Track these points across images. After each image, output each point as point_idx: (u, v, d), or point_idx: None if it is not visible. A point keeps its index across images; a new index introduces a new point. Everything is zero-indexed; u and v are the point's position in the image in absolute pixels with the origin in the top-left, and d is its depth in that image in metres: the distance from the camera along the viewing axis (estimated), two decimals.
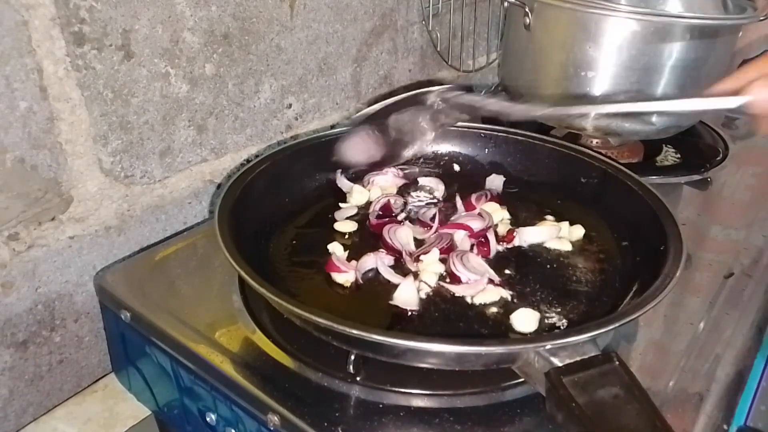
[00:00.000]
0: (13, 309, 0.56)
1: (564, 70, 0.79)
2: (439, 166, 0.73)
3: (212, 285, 0.57)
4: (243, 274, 0.47)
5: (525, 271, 0.57)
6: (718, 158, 0.85)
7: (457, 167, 0.73)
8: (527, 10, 0.79)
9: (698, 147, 0.89)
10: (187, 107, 0.65)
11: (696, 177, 0.80)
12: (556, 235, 0.61)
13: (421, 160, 0.73)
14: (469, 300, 0.53)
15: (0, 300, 0.55)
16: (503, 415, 0.45)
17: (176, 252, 0.62)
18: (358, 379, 0.46)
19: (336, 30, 0.78)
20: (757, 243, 0.66)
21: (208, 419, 0.52)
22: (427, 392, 0.46)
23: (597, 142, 0.84)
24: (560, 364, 0.40)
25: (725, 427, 0.50)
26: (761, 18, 0.74)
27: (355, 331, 0.42)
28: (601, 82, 0.77)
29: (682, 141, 0.87)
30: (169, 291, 0.57)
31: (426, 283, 0.54)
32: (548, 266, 0.58)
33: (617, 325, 0.43)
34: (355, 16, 0.80)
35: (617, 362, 0.40)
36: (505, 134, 0.72)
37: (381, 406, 0.45)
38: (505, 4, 0.83)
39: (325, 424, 0.43)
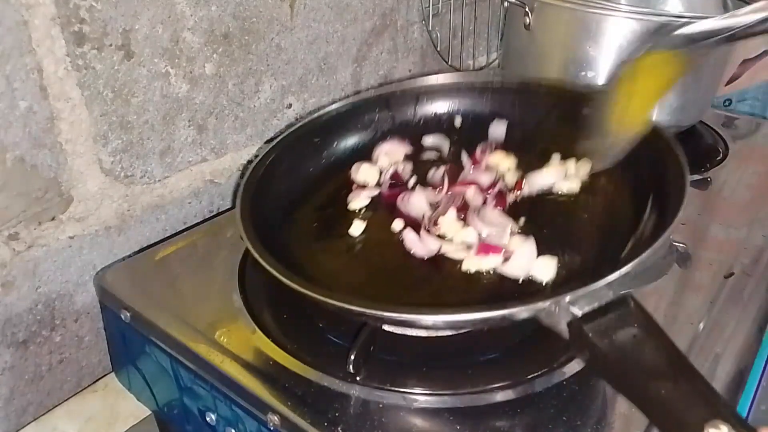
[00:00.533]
0: (14, 308, 0.56)
1: (564, 69, 0.79)
2: (440, 124, 0.72)
3: (212, 285, 0.57)
4: (296, 286, 0.46)
5: (538, 218, 0.57)
6: (719, 158, 0.84)
7: (458, 122, 0.72)
8: (527, 9, 0.79)
9: (698, 146, 0.88)
10: (187, 107, 0.65)
11: (696, 177, 0.80)
12: (563, 175, 0.61)
13: (422, 121, 0.72)
14: None
15: (0, 299, 0.55)
16: (503, 414, 0.45)
17: (176, 252, 0.62)
18: (358, 378, 0.46)
19: (336, 30, 0.78)
20: (757, 242, 0.66)
21: (208, 419, 0.52)
22: (427, 392, 0.46)
23: None
24: (580, 313, 0.41)
25: None
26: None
27: (386, 314, 0.43)
28: (601, 81, 0.77)
29: (682, 140, 0.86)
30: (169, 291, 0.57)
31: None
32: (560, 209, 0.58)
33: (630, 266, 0.43)
34: (355, 15, 0.80)
35: (632, 303, 0.41)
36: (500, 83, 0.72)
37: (381, 405, 0.45)
38: (505, 3, 0.83)
39: (325, 423, 0.43)
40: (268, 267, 0.48)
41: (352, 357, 0.46)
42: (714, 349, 0.52)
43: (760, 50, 1.15)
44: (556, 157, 0.64)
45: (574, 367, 0.47)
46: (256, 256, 0.49)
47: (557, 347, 0.49)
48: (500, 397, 0.46)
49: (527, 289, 0.51)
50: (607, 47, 0.75)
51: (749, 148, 0.88)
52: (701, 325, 0.55)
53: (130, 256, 0.64)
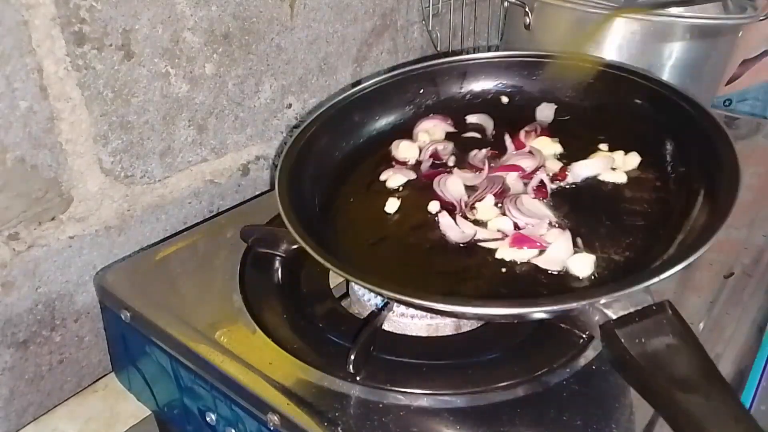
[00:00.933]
0: (14, 309, 0.56)
1: None
2: (486, 101, 0.70)
3: (212, 285, 0.57)
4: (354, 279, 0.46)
5: (580, 209, 0.55)
6: None
7: (505, 99, 0.70)
8: (527, 9, 0.79)
9: None
10: (187, 107, 0.65)
11: None
12: (609, 166, 0.58)
13: (468, 97, 0.70)
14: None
15: (0, 300, 0.55)
16: (503, 415, 0.45)
17: (177, 252, 0.62)
18: (358, 378, 0.46)
19: (336, 30, 0.78)
20: (757, 242, 0.66)
21: (208, 419, 0.52)
22: (427, 392, 0.46)
23: None
24: (614, 316, 0.40)
25: None
26: (761, 18, 0.74)
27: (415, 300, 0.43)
28: None
29: None
30: (170, 291, 0.57)
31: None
32: (603, 201, 0.56)
33: (669, 273, 0.41)
34: (356, 15, 0.80)
35: (670, 311, 0.40)
36: (550, 59, 0.68)
37: (381, 405, 0.45)
38: (505, 3, 0.83)
39: (325, 423, 0.43)
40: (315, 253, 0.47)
41: (353, 357, 0.46)
42: (714, 350, 0.52)
43: (761, 50, 1.15)
44: (603, 148, 0.61)
45: (575, 367, 0.47)
46: (297, 237, 0.48)
47: (558, 347, 0.49)
48: (500, 397, 0.46)
49: (564, 282, 0.49)
50: (607, 47, 0.75)
51: (750, 149, 0.88)
52: (701, 326, 0.55)
53: (130, 256, 0.64)
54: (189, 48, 0.63)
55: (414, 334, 0.52)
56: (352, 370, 0.46)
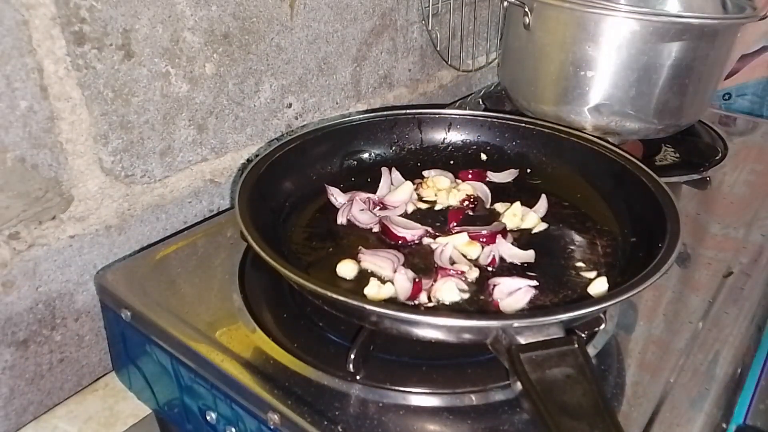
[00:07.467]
0: (14, 308, 0.56)
1: (563, 69, 0.79)
2: (467, 154, 0.74)
3: (212, 284, 0.57)
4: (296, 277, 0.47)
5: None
6: (717, 157, 0.85)
7: (484, 156, 0.74)
8: (527, 9, 0.79)
9: (697, 146, 0.89)
10: (187, 107, 0.65)
11: (695, 176, 0.80)
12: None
13: (449, 148, 0.74)
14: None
15: (1, 299, 0.55)
16: (503, 414, 0.45)
17: (177, 251, 0.62)
18: (358, 377, 0.47)
19: (336, 29, 0.78)
20: (756, 241, 0.66)
21: (208, 418, 0.52)
22: (427, 391, 0.46)
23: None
24: (523, 342, 0.42)
25: (724, 425, 0.50)
26: (760, 17, 0.75)
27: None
28: (600, 81, 0.77)
29: (681, 140, 0.87)
30: (170, 290, 0.57)
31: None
32: (559, 256, 0.59)
33: (583, 312, 0.44)
34: (355, 15, 0.80)
35: (576, 345, 0.42)
36: (532, 126, 0.73)
37: (381, 404, 0.45)
38: (505, 3, 0.83)
39: (325, 422, 0.44)
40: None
41: (352, 356, 0.46)
42: (713, 348, 0.53)
43: (759, 46, 1.15)
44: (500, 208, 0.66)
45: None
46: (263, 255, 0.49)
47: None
48: (500, 396, 0.46)
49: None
50: (606, 47, 0.75)
51: (748, 148, 0.88)
52: (700, 324, 0.55)
53: (130, 255, 0.64)
54: (189, 48, 0.63)
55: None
56: (351, 370, 0.46)
